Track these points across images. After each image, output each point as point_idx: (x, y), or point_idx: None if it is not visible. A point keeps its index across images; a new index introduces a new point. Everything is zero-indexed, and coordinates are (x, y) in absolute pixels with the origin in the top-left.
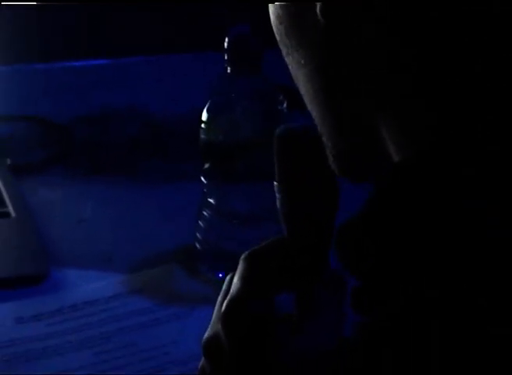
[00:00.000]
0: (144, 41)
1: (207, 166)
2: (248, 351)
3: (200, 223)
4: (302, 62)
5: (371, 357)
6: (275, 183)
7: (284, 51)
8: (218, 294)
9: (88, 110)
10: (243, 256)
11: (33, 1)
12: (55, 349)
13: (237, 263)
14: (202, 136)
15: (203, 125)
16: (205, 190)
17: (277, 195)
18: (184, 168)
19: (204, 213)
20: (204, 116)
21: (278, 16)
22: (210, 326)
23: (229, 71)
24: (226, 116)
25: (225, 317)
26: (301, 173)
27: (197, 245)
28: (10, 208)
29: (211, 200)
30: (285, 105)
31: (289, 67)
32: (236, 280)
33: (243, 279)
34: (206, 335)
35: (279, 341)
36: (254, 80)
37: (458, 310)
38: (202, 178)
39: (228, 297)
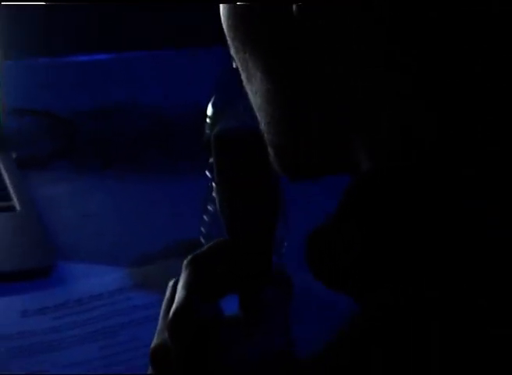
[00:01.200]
0: (150, 35)
1: (212, 160)
2: (196, 358)
3: (205, 217)
4: (259, 61)
5: (364, 357)
6: (213, 184)
7: (239, 48)
8: None
9: (94, 105)
10: (185, 262)
11: (33, 2)
12: (59, 343)
13: None
14: (207, 131)
15: (208, 120)
16: (210, 184)
17: (216, 197)
18: (190, 162)
19: (209, 208)
20: (210, 111)
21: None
22: (156, 334)
23: (234, 66)
24: (231, 111)
25: (172, 326)
26: (240, 174)
27: (202, 240)
28: (15, 202)
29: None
30: None
31: (243, 64)
32: (180, 287)
33: (188, 285)
34: (153, 344)
35: (225, 346)
36: None
37: (458, 310)
38: (207, 173)
39: (174, 305)
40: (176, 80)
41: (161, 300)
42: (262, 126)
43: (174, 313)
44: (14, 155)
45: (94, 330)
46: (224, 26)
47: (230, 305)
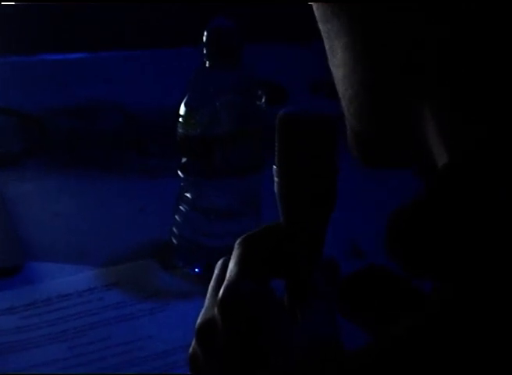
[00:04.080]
0: (122, 34)
1: (184, 160)
2: (243, 336)
3: (176, 217)
4: (342, 31)
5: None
6: (274, 166)
7: (322, 18)
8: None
9: (66, 104)
10: (238, 241)
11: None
12: (28, 342)
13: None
14: (180, 130)
15: (180, 119)
16: (182, 184)
17: (275, 179)
18: (162, 162)
19: (181, 208)
20: (182, 110)
21: None
22: (204, 311)
23: (207, 65)
24: (204, 111)
25: (223, 302)
26: (301, 158)
27: (174, 240)
28: None
29: (188, 194)
30: (263, 100)
31: (325, 36)
32: (232, 265)
33: (240, 264)
34: (200, 320)
35: (273, 327)
36: (232, 75)
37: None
38: (179, 172)
39: (225, 282)
40: (147, 79)
41: (132, 300)
42: (342, 104)
43: (224, 290)
44: None
45: (63, 330)
46: None
47: (278, 289)
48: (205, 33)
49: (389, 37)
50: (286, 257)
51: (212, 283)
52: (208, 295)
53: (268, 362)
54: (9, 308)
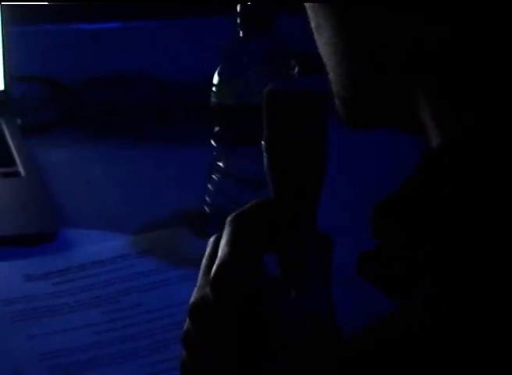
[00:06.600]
0: (155, 4)
1: (217, 129)
2: (237, 315)
3: (209, 186)
4: (328, 29)
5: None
6: (262, 142)
7: (310, 15)
8: None
9: (99, 73)
10: (229, 218)
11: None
12: (62, 307)
13: None
14: (213, 99)
15: (214, 88)
16: (215, 153)
17: (264, 155)
18: (194, 131)
19: (214, 177)
20: (216, 80)
21: None
22: (196, 290)
23: (241, 34)
24: (238, 80)
25: (215, 282)
26: (290, 133)
27: (206, 208)
28: (20, 168)
29: (220, 163)
30: (296, 70)
31: (314, 29)
32: (223, 243)
33: (231, 242)
34: (193, 299)
35: (267, 304)
36: (265, 44)
37: (493, 308)
38: (212, 141)
39: (217, 261)
40: (181, 49)
41: (165, 267)
42: (329, 76)
43: (216, 269)
44: (19, 122)
45: (97, 296)
46: None
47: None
48: (239, 3)
49: (389, 37)
50: (278, 233)
51: (204, 261)
52: (201, 274)
53: (265, 340)
54: (44, 274)
